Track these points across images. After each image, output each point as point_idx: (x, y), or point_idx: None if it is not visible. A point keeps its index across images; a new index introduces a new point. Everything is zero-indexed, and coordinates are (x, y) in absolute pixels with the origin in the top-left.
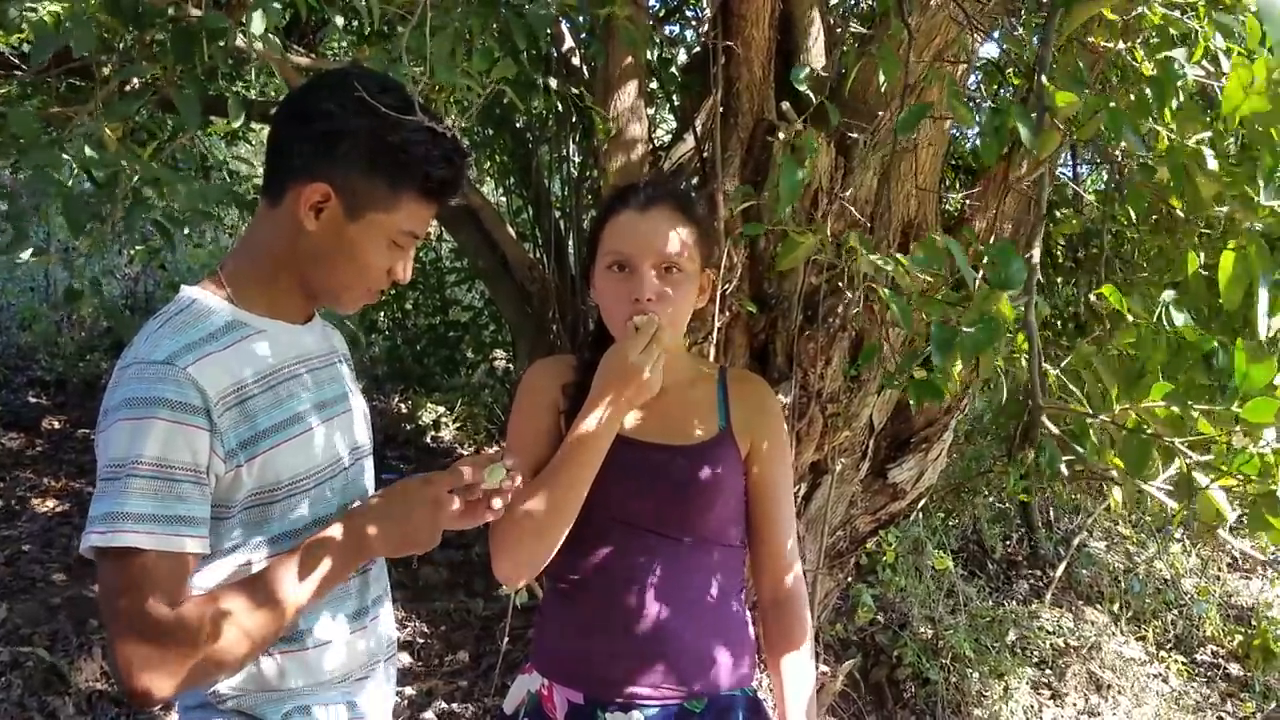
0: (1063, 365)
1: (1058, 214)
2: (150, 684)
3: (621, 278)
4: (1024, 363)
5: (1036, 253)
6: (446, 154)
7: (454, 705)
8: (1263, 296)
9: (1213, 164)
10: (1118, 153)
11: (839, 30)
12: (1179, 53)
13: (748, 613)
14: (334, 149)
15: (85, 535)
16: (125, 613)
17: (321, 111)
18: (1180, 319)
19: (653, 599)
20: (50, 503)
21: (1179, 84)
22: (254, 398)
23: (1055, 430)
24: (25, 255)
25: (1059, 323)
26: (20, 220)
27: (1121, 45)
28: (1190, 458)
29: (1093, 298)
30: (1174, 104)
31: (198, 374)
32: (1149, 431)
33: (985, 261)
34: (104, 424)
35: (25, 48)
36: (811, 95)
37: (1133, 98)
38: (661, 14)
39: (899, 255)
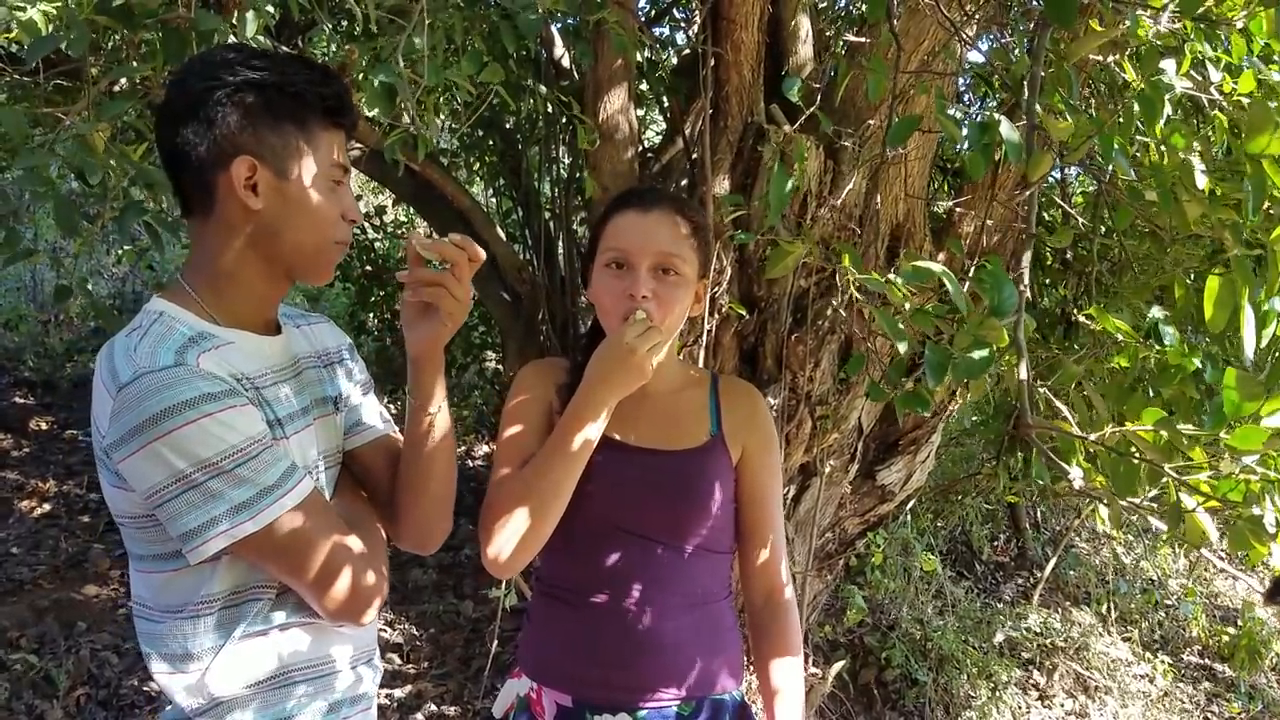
0: (1050, 383)
1: (1045, 215)
2: (377, 594)
3: (619, 275)
4: (1013, 374)
5: (1026, 273)
6: (323, 74)
7: (443, 707)
8: (1248, 317)
9: (1201, 181)
10: (1105, 170)
11: (827, 35)
12: (1168, 64)
13: (736, 617)
14: (230, 121)
15: (214, 539)
16: (326, 556)
17: (196, 100)
18: (1169, 336)
19: (641, 603)
20: (38, 505)
21: (1167, 96)
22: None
23: (1046, 449)
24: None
25: (1046, 325)
26: (10, 222)
27: (1112, 59)
28: (1178, 480)
29: (1081, 318)
30: (1163, 120)
31: (208, 365)
32: (1137, 455)
33: (977, 283)
34: (134, 445)
35: (13, 48)
36: (802, 105)
37: (1120, 114)
38: (650, 16)
39: (890, 274)
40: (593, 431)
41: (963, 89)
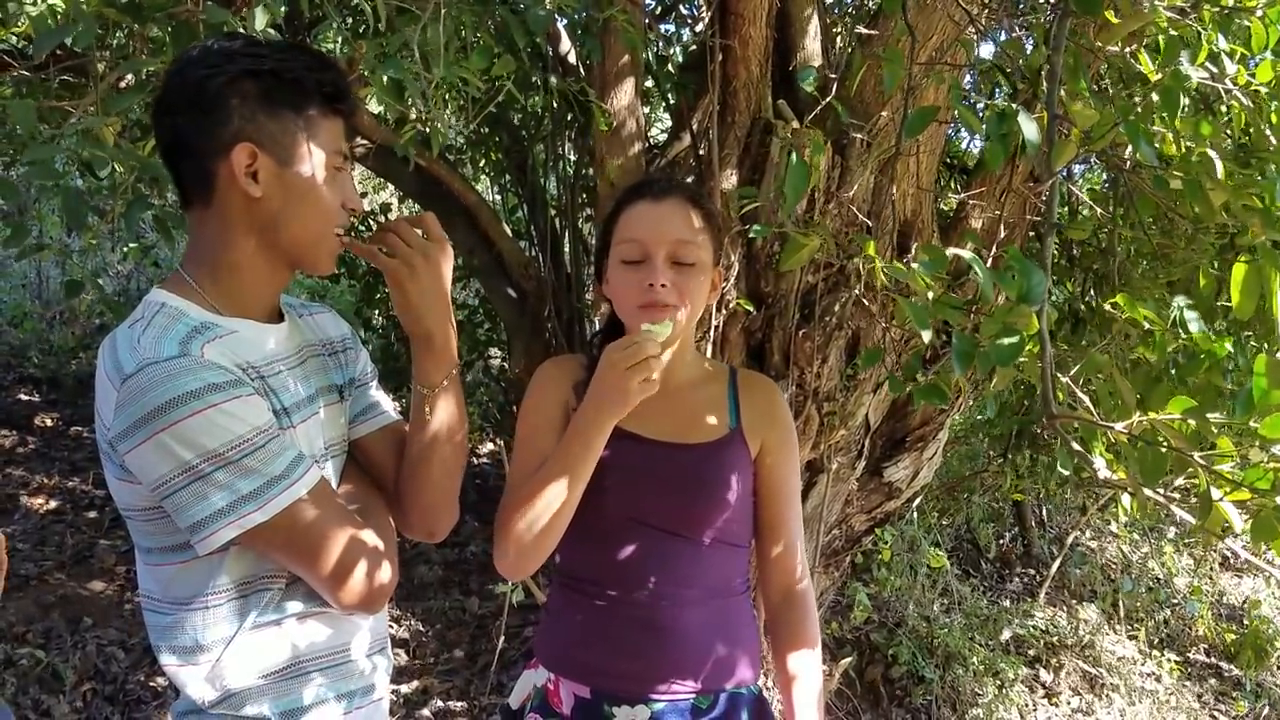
0: (1072, 373)
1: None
2: (389, 585)
3: (635, 269)
4: (1033, 365)
5: (1049, 262)
6: (321, 61)
7: (450, 703)
8: None
9: (1219, 170)
10: (1126, 161)
11: (836, 29)
12: (1183, 56)
13: (754, 611)
14: (228, 109)
15: (222, 529)
16: (337, 546)
17: (195, 90)
18: (1194, 325)
19: (659, 595)
20: (43, 500)
21: (1185, 85)
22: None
23: (1070, 439)
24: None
25: (1055, 321)
26: (21, 215)
27: (1127, 50)
28: (1208, 469)
29: (1107, 306)
30: (1180, 111)
31: (212, 355)
32: (1165, 443)
33: (999, 273)
34: (140, 436)
35: (20, 43)
36: (817, 95)
37: (1137, 104)
38: (657, 11)
39: (912, 264)
40: (594, 447)
41: (969, 84)
